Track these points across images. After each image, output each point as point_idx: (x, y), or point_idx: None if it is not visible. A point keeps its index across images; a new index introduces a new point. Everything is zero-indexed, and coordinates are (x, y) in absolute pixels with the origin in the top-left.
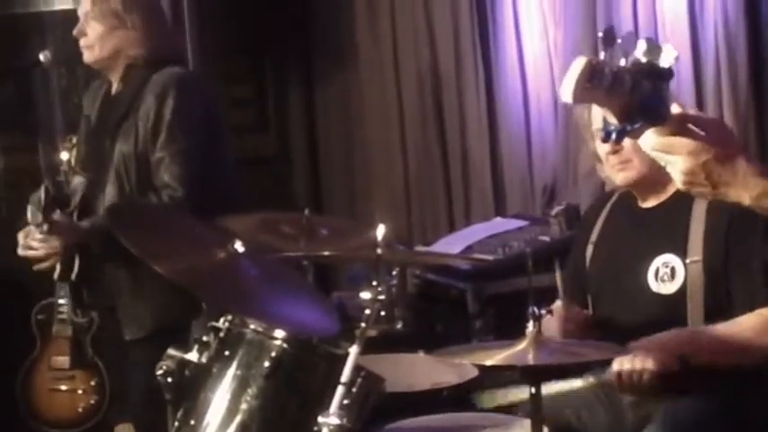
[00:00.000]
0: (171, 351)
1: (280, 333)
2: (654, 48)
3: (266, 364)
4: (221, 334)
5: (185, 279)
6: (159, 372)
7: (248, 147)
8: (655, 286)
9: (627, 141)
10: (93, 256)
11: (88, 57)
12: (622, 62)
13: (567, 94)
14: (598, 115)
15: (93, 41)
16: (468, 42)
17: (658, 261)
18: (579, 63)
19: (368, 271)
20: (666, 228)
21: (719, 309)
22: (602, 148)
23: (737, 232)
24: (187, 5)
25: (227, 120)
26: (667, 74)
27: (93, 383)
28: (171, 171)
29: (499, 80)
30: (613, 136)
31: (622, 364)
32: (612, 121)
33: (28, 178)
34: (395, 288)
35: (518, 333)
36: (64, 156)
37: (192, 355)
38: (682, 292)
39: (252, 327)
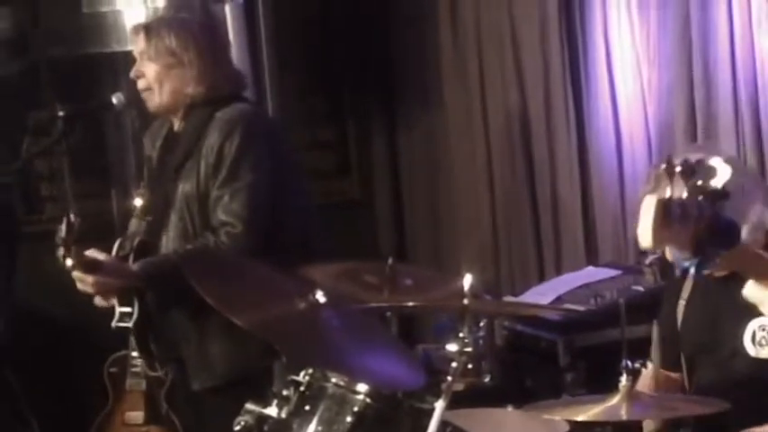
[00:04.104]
0: (249, 406)
1: (362, 387)
2: (706, 170)
3: (348, 419)
4: (302, 388)
5: (264, 331)
6: (237, 428)
7: (330, 191)
8: (753, 351)
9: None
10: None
11: (151, 104)
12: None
13: (645, 240)
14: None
15: (151, 83)
16: (559, 84)
17: (754, 324)
18: (650, 204)
19: (454, 322)
20: None
21: None
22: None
23: None
24: (266, 48)
25: (308, 163)
26: (723, 194)
27: None
28: (229, 208)
29: (591, 122)
30: (692, 271)
31: None
32: (681, 255)
33: (102, 225)
34: (482, 340)
35: (611, 387)
36: (137, 202)
37: (272, 410)
38: None
39: (333, 380)
